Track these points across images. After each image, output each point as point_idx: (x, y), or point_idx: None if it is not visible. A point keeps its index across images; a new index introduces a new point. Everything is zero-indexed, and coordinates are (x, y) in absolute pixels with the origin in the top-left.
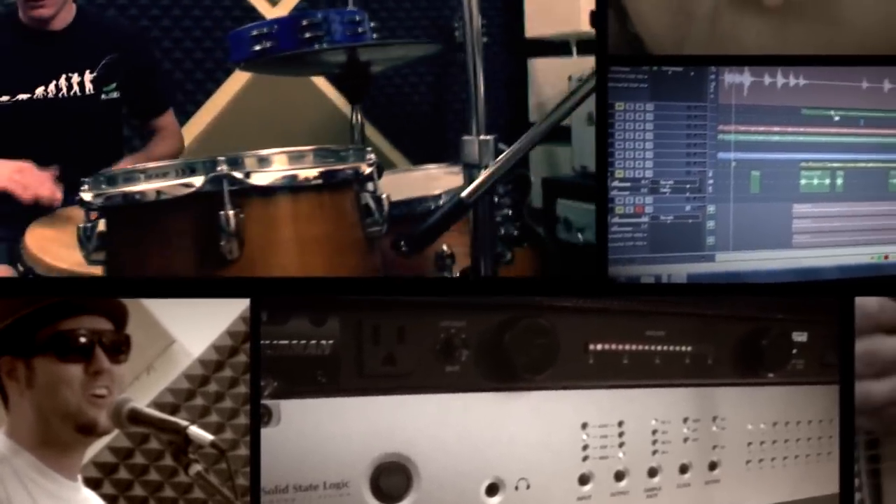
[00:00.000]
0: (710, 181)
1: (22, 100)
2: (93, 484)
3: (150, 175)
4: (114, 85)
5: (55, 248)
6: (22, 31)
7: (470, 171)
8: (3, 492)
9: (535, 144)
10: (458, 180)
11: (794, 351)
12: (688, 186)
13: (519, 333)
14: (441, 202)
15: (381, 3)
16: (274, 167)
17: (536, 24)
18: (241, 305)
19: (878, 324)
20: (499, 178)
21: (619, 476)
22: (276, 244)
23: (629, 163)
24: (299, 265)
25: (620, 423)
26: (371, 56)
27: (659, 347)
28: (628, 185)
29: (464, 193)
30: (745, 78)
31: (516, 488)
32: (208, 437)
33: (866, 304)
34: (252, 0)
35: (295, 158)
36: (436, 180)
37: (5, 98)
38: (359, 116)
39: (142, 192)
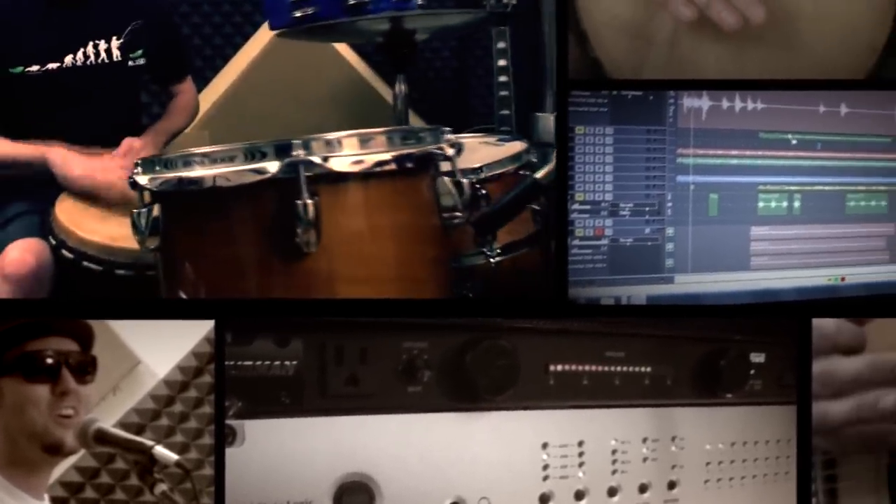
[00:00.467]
0: (669, 204)
1: (52, 69)
2: (59, 503)
3: (213, 159)
4: (140, 51)
5: (88, 222)
6: None
7: (543, 150)
8: None
9: None
10: (495, 152)
11: (752, 372)
12: (647, 209)
13: (480, 354)
14: (482, 175)
15: None
16: (345, 151)
17: None
18: (205, 327)
19: (835, 345)
20: None
21: (579, 495)
22: (351, 234)
23: (589, 186)
24: (376, 256)
25: (580, 443)
26: (416, 24)
27: (618, 368)
28: (588, 207)
29: (539, 174)
30: (703, 102)
31: None
32: (173, 456)
33: (823, 325)
34: None
35: (366, 141)
36: (473, 153)
37: (35, 68)
38: (403, 86)
39: (202, 178)
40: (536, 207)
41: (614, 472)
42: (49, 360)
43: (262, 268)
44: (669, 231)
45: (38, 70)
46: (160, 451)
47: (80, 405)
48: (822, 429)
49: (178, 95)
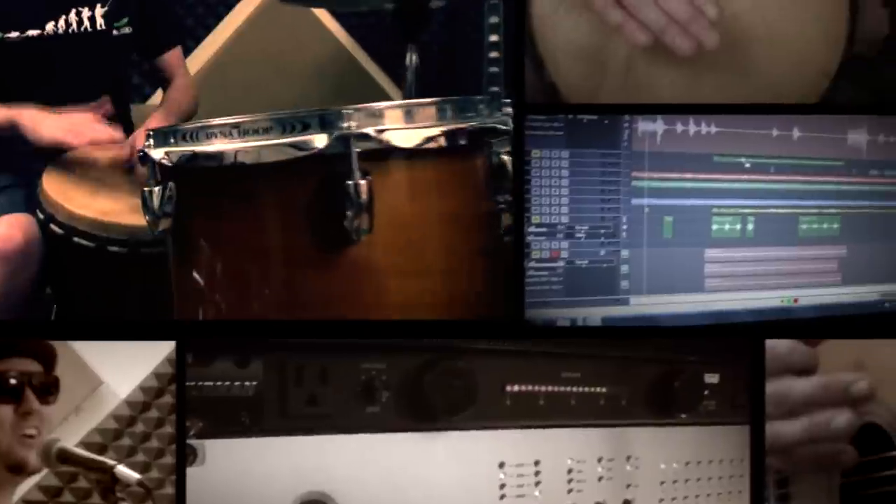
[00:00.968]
0: (625, 226)
1: (32, 36)
2: None
3: (243, 130)
4: (126, 20)
5: (77, 196)
6: None
7: None
8: None
9: None
10: None
11: (706, 392)
12: (602, 231)
13: (438, 375)
14: None
15: None
16: (389, 124)
17: None
18: (167, 348)
19: (788, 366)
20: None
21: None
22: (401, 220)
23: (545, 208)
24: (424, 245)
25: (537, 463)
26: None
27: (574, 389)
28: (544, 230)
29: None
30: (658, 126)
31: None
32: (135, 476)
33: (776, 346)
34: None
35: (410, 114)
36: None
37: (15, 34)
38: (415, 57)
39: (221, 153)
40: None
41: (570, 490)
42: (12, 381)
43: (298, 257)
44: (624, 253)
45: (18, 36)
46: (122, 470)
47: (42, 425)
48: (775, 448)
49: (168, 70)
